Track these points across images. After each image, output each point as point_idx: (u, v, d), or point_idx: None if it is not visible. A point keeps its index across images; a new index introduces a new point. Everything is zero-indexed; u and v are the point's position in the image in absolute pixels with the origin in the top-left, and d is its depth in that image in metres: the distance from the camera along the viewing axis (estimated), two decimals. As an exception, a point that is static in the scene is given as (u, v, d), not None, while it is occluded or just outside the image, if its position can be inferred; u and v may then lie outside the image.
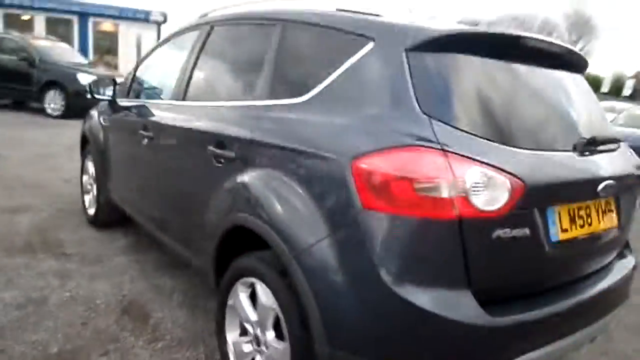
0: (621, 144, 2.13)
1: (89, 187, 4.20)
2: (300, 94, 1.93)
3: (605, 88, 46.48)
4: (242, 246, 2.09)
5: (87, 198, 4.24)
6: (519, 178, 1.54)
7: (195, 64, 2.69)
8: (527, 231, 1.60)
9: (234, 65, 2.55)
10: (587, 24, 60.08)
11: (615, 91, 47.61)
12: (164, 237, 2.86)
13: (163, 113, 2.82)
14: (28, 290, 2.96)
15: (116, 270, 3.34)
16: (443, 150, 1.50)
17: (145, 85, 3.43)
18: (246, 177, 2.00)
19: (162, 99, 3.09)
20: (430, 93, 1.62)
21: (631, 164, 2.06)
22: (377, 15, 1.89)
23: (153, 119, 2.89)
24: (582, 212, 1.79)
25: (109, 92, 3.48)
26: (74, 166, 4.87)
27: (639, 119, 10.44)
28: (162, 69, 3.26)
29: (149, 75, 3.44)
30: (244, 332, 2.11)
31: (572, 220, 1.76)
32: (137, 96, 3.40)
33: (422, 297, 1.50)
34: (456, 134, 1.55)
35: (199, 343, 2.57)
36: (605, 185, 1.81)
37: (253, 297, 2.02)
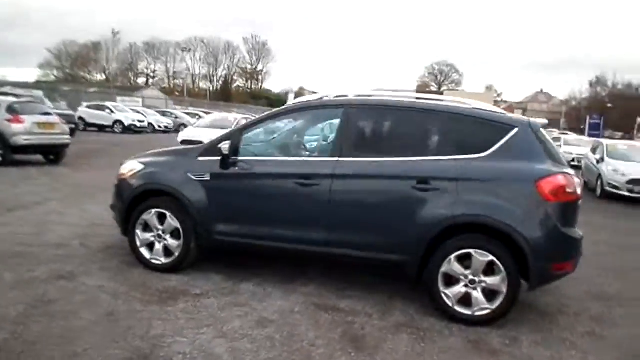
0: None
1: (151, 239, 4.59)
2: (480, 152, 3.85)
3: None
4: (446, 236, 3.83)
5: (146, 250, 4.61)
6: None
7: (353, 132, 4.11)
8: None
9: (409, 134, 4.12)
10: (264, 48, 70.23)
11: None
12: (335, 249, 4.10)
13: (330, 165, 4.06)
14: (251, 316, 3.72)
15: (259, 294, 4.22)
16: (565, 173, 3.77)
17: (277, 146, 4.49)
18: (461, 197, 3.76)
19: (310, 156, 4.30)
20: (546, 149, 3.86)
21: None
22: (503, 113, 4.00)
23: (318, 170, 4.09)
24: None
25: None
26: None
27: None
28: (303, 134, 4.40)
29: (280, 138, 4.47)
30: (453, 282, 3.84)
31: None
32: (260, 154, 4.38)
33: (570, 231, 3.74)
34: (558, 165, 3.84)
35: (407, 309, 4.06)
36: None
37: (462, 259, 3.80)
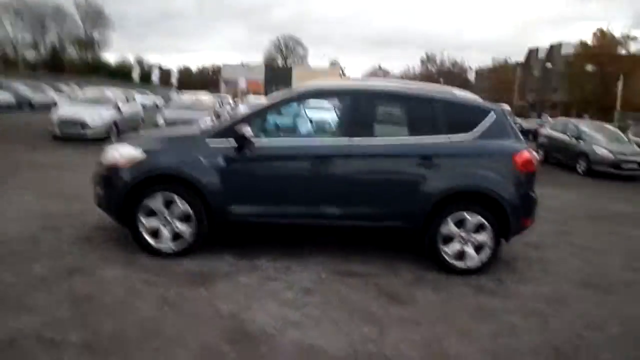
0: None
1: (156, 225, 4.55)
2: (466, 132, 4.65)
3: (135, 76, 51.68)
4: (444, 203, 4.60)
5: (150, 237, 4.55)
6: None
7: (361, 116, 4.60)
8: None
9: (412, 118, 4.70)
10: (100, 15, 63.61)
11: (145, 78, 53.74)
12: (347, 222, 4.61)
13: (343, 145, 4.51)
14: (294, 287, 4.06)
15: (280, 268, 4.52)
16: (529, 149, 4.79)
17: (289, 128, 4.68)
18: (457, 170, 4.55)
19: (322, 137, 4.65)
20: (512, 129, 4.83)
21: None
22: (480, 99, 4.85)
23: (332, 150, 4.51)
24: None
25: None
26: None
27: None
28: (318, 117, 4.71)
29: (292, 121, 4.66)
30: (448, 240, 4.64)
31: None
32: (274, 136, 4.66)
33: (533, 194, 4.78)
34: (521, 142, 4.86)
35: (410, 267, 4.73)
36: None
37: (457, 221, 4.61)
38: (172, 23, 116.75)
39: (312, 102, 4.92)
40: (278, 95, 4.94)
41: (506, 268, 5.00)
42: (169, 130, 5.86)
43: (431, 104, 4.75)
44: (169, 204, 4.52)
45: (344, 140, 4.58)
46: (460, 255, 4.66)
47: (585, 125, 15.35)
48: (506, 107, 5.25)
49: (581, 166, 13.93)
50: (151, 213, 4.54)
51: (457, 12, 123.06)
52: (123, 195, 4.52)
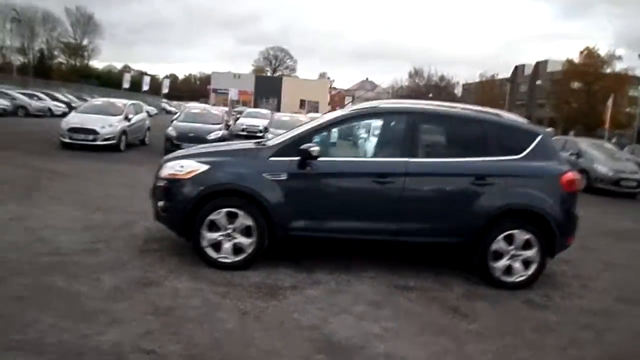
0: None
1: (219, 238, 4.67)
2: (517, 154, 4.89)
3: (126, 84, 51.29)
4: (496, 220, 4.81)
5: (212, 250, 4.68)
6: None
7: (419, 136, 4.81)
8: None
9: (467, 139, 4.93)
10: (90, 22, 63.26)
11: (135, 86, 53.33)
12: (404, 238, 4.80)
13: (403, 165, 4.70)
14: (360, 300, 4.21)
15: (341, 282, 4.68)
16: (573, 170, 5.05)
17: (347, 147, 4.86)
18: (510, 189, 4.78)
19: (382, 157, 4.88)
20: (556, 151, 5.09)
21: None
22: (529, 123, 5.11)
23: (393, 169, 4.70)
24: None
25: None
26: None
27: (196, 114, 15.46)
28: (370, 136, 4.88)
29: (350, 140, 4.85)
30: (498, 256, 4.84)
31: None
32: (333, 155, 4.89)
33: (576, 213, 5.04)
34: (565, 164, 5.12)
35: (459, 282, 4.92)
36: None
37: (507, 238, 4.82)
38: (160, 32, 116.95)
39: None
40: (337, 113, 5.14)
41: (549, 283, 5.22)
42: (229, 145, 5.98)
43: (485, 127, 4.99)
44: (231, 217, 4.65)
45: (403, 160, 4.77)
46: (509, 270, 4.87)
47: (585, 143, 15.83)
48: (550, 130, 5.49)
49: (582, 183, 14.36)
50: (213, 226, 4.66)
51: (444, 28, 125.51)
52: (188, 209, 4.64)
